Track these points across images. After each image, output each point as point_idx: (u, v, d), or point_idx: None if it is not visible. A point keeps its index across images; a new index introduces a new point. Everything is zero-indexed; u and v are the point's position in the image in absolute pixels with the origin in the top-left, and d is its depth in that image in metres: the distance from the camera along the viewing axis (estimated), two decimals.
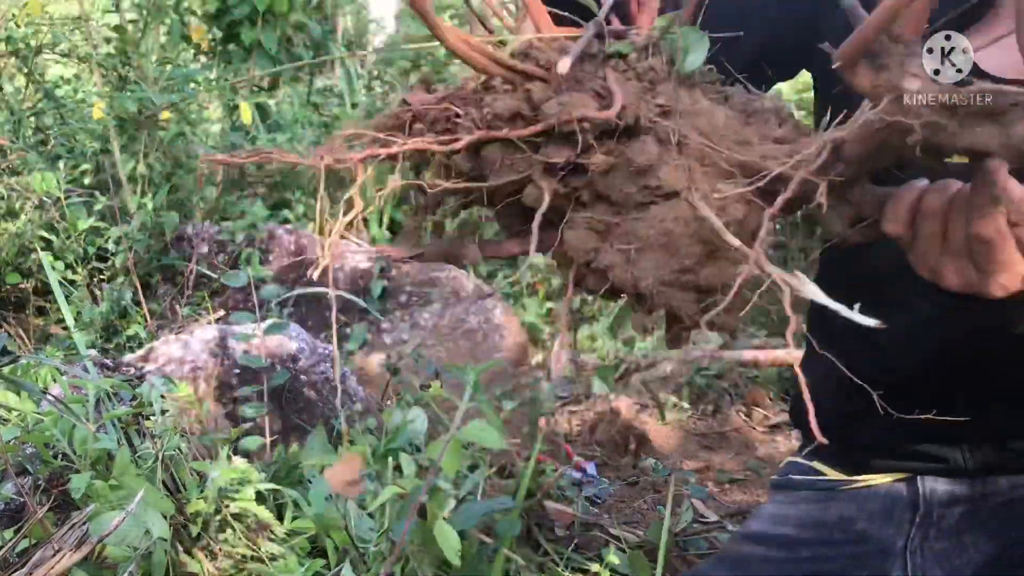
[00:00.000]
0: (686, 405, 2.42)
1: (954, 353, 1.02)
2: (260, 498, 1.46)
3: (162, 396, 1.56)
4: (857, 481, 1.14)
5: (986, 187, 0.58)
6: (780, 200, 0.54)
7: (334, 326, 1.99)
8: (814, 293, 0.54)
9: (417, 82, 0.64)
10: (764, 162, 0.57)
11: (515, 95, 0.60)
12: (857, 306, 0.53)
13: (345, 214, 0.59)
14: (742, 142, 0.59)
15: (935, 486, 1.09)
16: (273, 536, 1.42)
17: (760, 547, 1.13)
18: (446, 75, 3.67)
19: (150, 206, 2.83)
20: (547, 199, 0.58)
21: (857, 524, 1.11)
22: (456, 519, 1.23)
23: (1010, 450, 1.04)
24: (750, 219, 0.58)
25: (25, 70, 3.46)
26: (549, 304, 3.11)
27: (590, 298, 3.11)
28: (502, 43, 0.64)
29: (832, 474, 1.17)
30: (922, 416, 0.96)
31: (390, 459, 1.49)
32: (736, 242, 0.54)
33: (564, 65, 0.58)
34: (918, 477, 1.10)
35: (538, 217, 0.58)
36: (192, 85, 3.10)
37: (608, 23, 0.65)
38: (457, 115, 0.60)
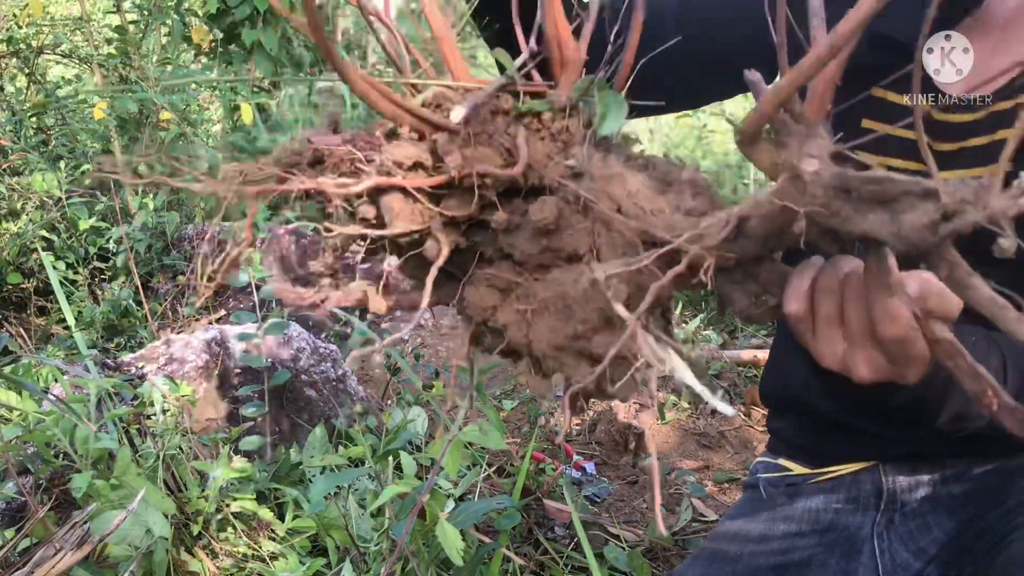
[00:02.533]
0: (685, 404, 2.42)
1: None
2: (261, 497, 1.47)
3: (163, 396, 1.56)
4: (823, 474, 1.19)
5: (881, 276, 0.56)
6: (670, 274, 0.52)
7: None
8: (682, 373, 0.52)
9: (325, 120, 0.61)
10: (664, 233, 0.55)
11: (419, 144, 0.58)
12: (719, 393, 0.52)
13: (234, 247, 0.57)
14: (656, 210, 0.57)
15: (897, 473, 1.12)
16: (274, 535, 1.43)
17: (734, 544, 1.16)
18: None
19: (151, 206, 2.84)
20: (444, 253, 0.56)
21: (825, 514, 1.15)
22: (455, 518, 1.23)
23: (968, 434, 1.06)
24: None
25: (27, 70, 3.47)
26: None
27: None
28: (416, 88, 0.61)
29: (798, 469, 1.21)
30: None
31: (390, 459, 1.50)
32: (624, 312, 0.52)
33: (457, 115, 0.56)
34: (880, 465, 1.14)
35: (433, 271, 0.56)
36: (193, 86, 3.11)
37: (530, 78, 0.62)
38: (361, 159, 0.57)
